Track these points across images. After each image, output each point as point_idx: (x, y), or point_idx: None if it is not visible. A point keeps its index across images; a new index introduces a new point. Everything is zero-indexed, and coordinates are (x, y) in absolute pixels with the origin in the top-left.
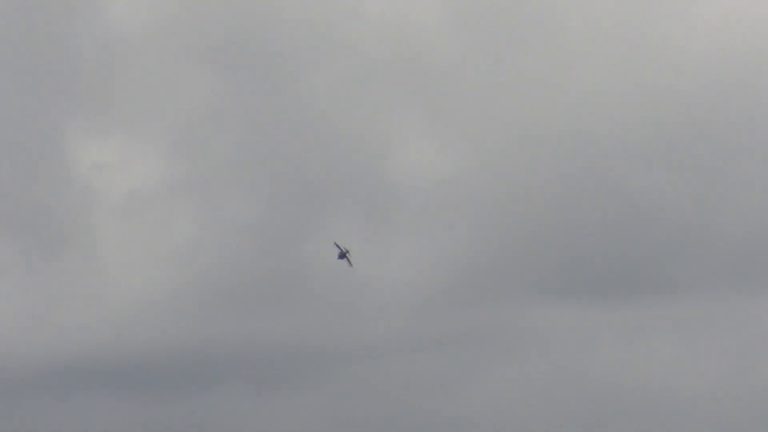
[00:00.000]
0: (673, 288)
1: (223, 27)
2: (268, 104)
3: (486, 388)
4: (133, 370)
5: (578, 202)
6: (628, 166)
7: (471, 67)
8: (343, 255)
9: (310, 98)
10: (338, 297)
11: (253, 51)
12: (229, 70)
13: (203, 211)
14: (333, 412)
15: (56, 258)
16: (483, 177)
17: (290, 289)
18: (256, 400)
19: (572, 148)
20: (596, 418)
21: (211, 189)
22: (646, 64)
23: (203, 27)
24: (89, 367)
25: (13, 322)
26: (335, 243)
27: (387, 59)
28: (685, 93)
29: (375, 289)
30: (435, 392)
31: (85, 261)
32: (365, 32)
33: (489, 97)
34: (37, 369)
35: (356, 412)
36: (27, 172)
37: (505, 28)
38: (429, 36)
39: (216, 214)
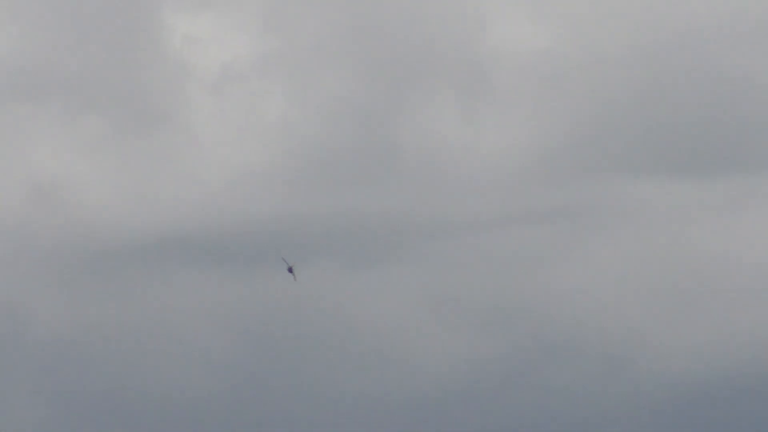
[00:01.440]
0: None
1: None
2: None
3: (579, 265)
4: (224, 245)
5: (673, 77)
6: (724, 42)
7: None
8: (290, 269)
9: None
10: (432, 172)
11: None
12: None
13: (296, 86)
14: (425, 289)
15: (149, 133)
16: (578, 50)
17: (383, 164)
18: (348, 276)
19: (667, 24)
20: (691, 294)
21: (304, 64)
22: None
23: None
24: (182, 241)
25: (107, 198)
26: (283, 258)
27: None
28: None
29: (469, 164)
30: (528, 269)
31: (178, 136)
32: None
33: None
34: (131, 243)
35: (448, 289)
36: (120, 48)
37: None
38: None
39: (309, 89)
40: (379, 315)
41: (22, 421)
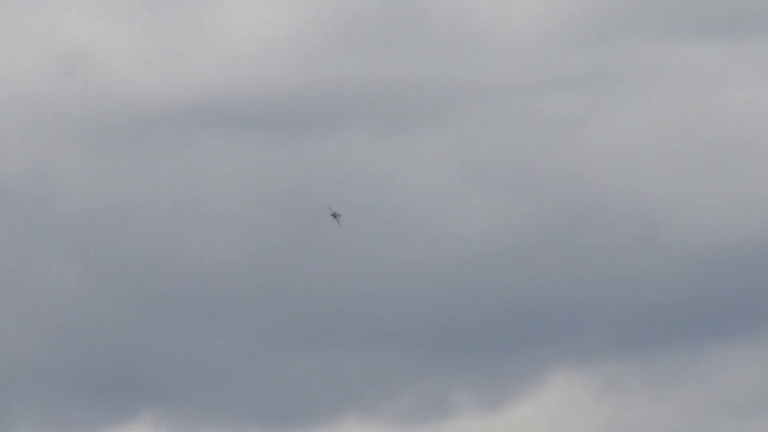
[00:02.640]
0: None
1: None
2: None
3: (611, 129)
4: (255, 111)
5: None
6: None
7: None
8: (333, 215)
9: None
10: (461, 36)
11: None
12: None
13: None
14: (456, 154)
15: (179, 1)
16: None
17: (412, 29)
18: (378, 141)
19: None
20: (723, 158)
21: None
22: None
23: None
24: (212, 108)
25: (137, 66)
26: (328, 206)
27: None
28: None
29: (499, 28)
30: (560, 134)
31: (207, 3)
32: None
33: None
34: (161, 111)
35: (479, 154)
36: None
37: None
38: None
39: None
40: (410, 180)
41: (56, 286)
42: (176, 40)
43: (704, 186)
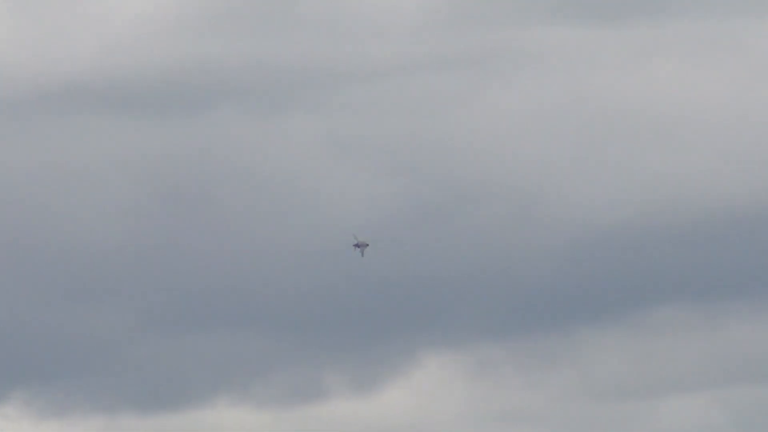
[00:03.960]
0: (676, 10)
1: None
2: None
3: (487, 111)
4: (129, 92)
5: None
6: None
7: None
8: (357, 245)
9: None
10: (336, 18)
11: None
12: None
13: None
14: (331, 135)
15: None
16: None
17: (286, 10)
18: (254, 123)
19: None
20: (597, 141)
21: None
22: None
23: None
24: (85, 89)
25: (12, 42)
26: (353, 234)
27: None
28: None
29: (373, 10)
30: (435, 116)
31: None
32: None
33: None
34: (33, 92)
35: (354, 136)
36: None
37: None
38: None
39: None
40: (285, 162)
41: None
42: (50, 21)
43: (577, 167)
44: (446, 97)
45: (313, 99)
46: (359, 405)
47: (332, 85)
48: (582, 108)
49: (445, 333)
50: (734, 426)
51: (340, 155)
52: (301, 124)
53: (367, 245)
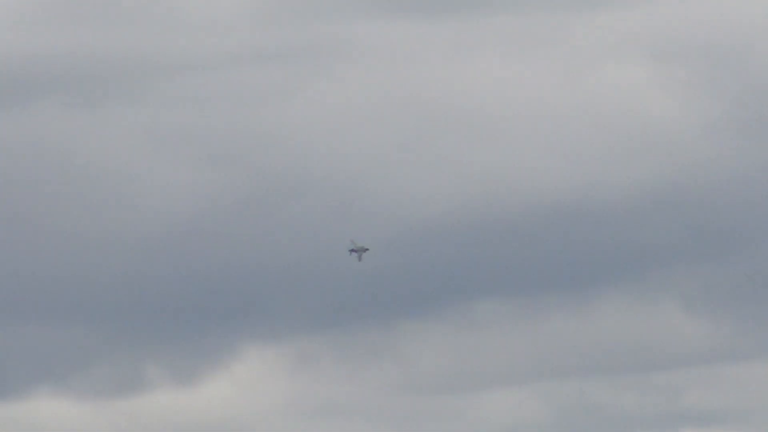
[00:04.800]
0: (498, 4)
1: None
2: None
3: (308, 105)
4: None
5: None
6: None
7: None
8: (353, 250)
9: None
10: (158, 11)
11: None
12: None
13: None
14: (151, 126)
15: None
16: None
17: (106, 1)
18: (74, 115)
19: None
20: (419, 134)
21: None
22: None
23: None
24: None
25: None
26: (351, 240)
27: None
28: None
29: (196, 1)
30: (257, 108)
31: None
32: None
33: None
34: None
35: (175, 128)
36: None
37: None
38: None
39: None
40: (105, 153)
41: None
42: None
43: (400, 161)
44: (268, 90)
45: (134, 91)
46: (180, 397)
47: (153, 78)
48: (405, 102)
49: (266, 325)
50: (554, 419)
51: (161, 147)
52: (121, 116)
53: (366, 250)
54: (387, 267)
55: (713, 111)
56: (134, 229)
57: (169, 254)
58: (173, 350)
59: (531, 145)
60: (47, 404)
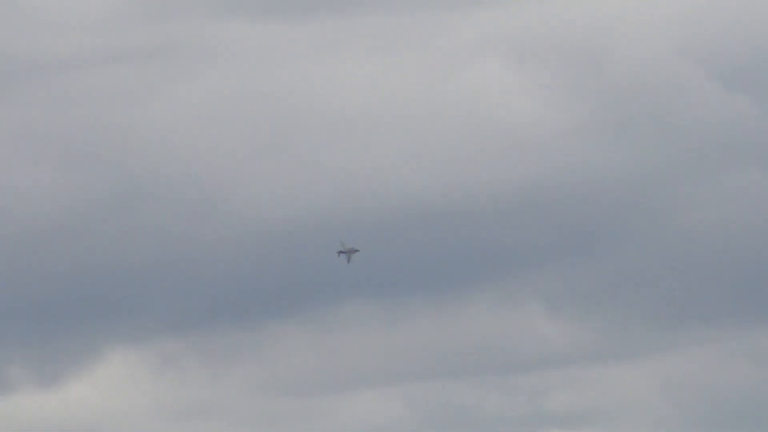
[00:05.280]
0: (359, 5)
1: None
2: None
3: (168, 105)
4: None
5: None
6: None
7: None
8: (342, 252)
9: None
10: (20, 11)
11: None
12: None
13: None
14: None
15: None
16: None
17: None
18: None
19: None
20: (278, 135)
21: None
22: None
23: None
24: None
25: None
26: (341, 241)
27: None
28: None
29: (53, 2)
30: (115, 108)
31: None
32: None
33: None
34: None
35: (34, 128)
36: None
37: None
38: None
39: None
40: None
41: None
42: None
43: (258, 162)
44: (128, 91)
45: None
46: (43, 399)
47: (11, 78)
48: (266, 103)
49: (129, 327)
50: (419, 420)
51: (20, 147)
52: None
53: (357, 251)
54: (251, 268)
55: (578, 113)
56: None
57: (30, 255)
58: (36, 352)
59: (395, 146)
60: None
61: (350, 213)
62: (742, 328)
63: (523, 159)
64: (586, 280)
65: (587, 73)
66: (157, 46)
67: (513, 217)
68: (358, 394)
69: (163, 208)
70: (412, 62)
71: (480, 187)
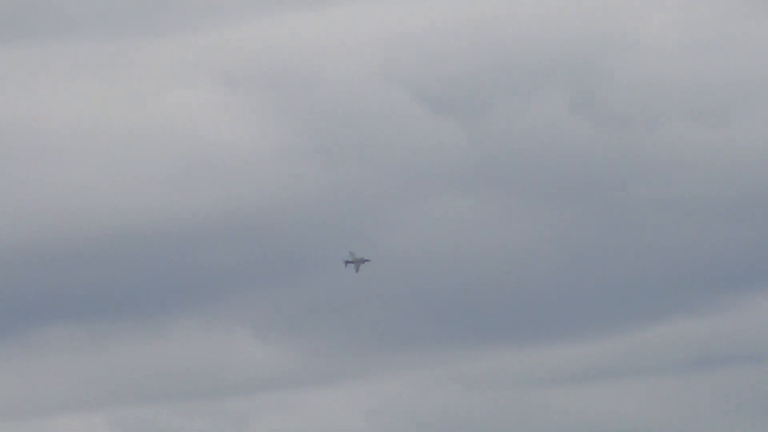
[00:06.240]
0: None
1: None
2: None
3: None
4: None
5: None
6: None
7: None
8: (349, 262)
9: None
10: None
11: None
12: None
13: None
14: None
15: None
16: None
17: None
18: None
19: None
20: None
21: None
22: None
23: None
24: None
25: None
26: (350, 251)
27: None
28: None
29: None
30: None
31: None
32: None
33: None
34: None
35: None
36: None
37: None
38: None
39: None
40: None
41: None
42: None
43: None
44: None
45: None
46: None
47: None
48: None
49: None
50: None
51: None
52: None
53: (366, 261)
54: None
55: (283, 137)
56: None
57: None
58: None
59: (96, 169)
60: None
61: (52, 236)
62: (450, 353)
63: (229, 182)
64: (292, 304)
65: (293, 97)
66: None
67: (219, 240)
68: (62, 419)
69: None
70: (113, 86)
71: (185, 210)
